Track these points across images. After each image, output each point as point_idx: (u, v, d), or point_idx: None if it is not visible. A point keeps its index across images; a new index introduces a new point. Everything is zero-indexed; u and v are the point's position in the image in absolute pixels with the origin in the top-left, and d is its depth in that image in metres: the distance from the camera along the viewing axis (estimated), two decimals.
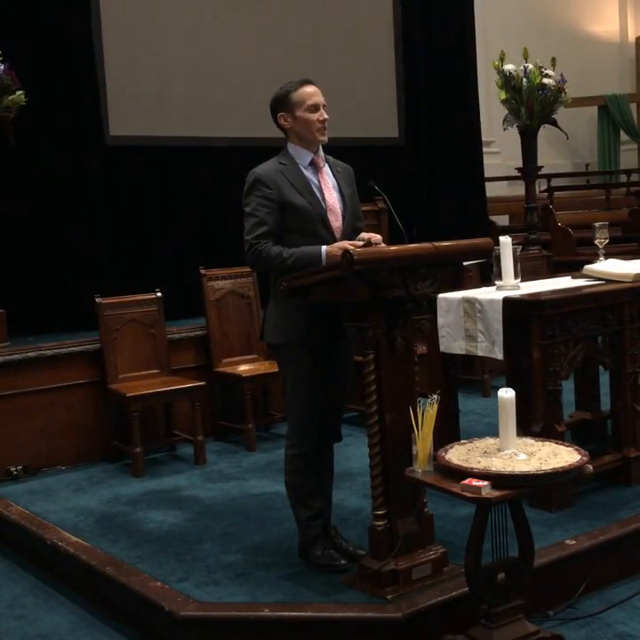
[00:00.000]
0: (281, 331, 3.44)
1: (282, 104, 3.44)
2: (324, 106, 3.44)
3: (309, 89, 3.43)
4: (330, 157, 3.58)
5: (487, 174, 8.95)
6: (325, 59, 7.27)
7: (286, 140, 3.51)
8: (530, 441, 3.04)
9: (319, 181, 3.45)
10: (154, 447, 5.37)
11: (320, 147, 3.51)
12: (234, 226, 6.71)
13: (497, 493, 2.69)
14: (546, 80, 7.08)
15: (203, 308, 5.73)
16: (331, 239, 3.37)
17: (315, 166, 3.47)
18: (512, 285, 4.23)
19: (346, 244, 3.27)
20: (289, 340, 3.42)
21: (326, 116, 3.44)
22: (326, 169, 3.51)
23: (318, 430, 3.49)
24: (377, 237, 3.39)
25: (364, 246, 3.29)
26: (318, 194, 3.43)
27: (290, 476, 3.56)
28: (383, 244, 3.39)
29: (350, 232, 3.50)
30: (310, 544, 3.56)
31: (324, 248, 3.28)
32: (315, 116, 3.41)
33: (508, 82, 7.13)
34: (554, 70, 7.17)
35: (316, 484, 3.55)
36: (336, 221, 3.44)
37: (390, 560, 3.23)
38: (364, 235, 3.43)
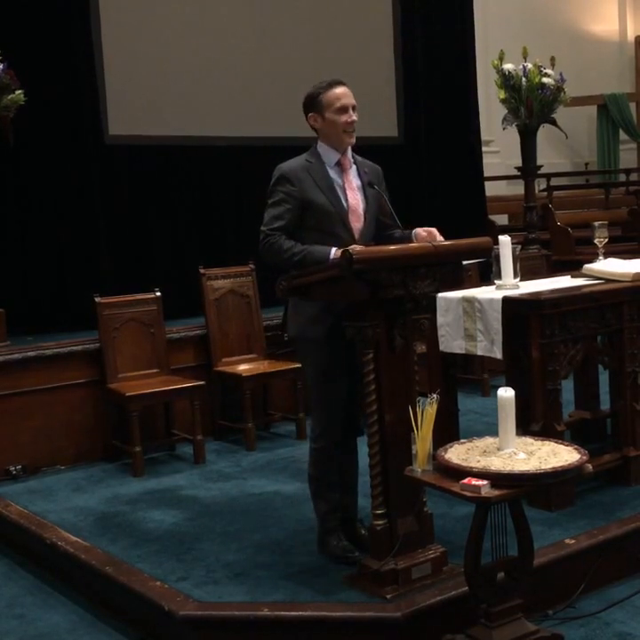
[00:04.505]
0: (300, 324, 3.48)
1: (312, 105, 3.48)
2: (353, 107, 3.48)
3: (339, 90, 3.46)
4: (358, 157, 3.61)
5: (486, 173, 8.94)
6: (325, 58, 7.26)
7: (317, 139, 3.55)
8: (529, 440, 3.03)
9: (343, 182, 3.49)
10: (153, 447, 5.36)
11: (348, 147, 3.54)
12: (233, 225, 6.77)
13: (496, 493, 2.69)
14: (545, 79, 7.08)
15: (202, 308, 5.73)
16: (349, 239, 3.40)
17: (340, 166, 3.51)
18: (511, 285, 4.23)
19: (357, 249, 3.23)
20: (308, 333, 3.46)
21: (355, 118, 3.47)
22: (353, 169, 3.55)
23: (342, 424, 3.51)
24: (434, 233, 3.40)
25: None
26: (341, 194, 3.46)
27: (312, 469, 3.61)
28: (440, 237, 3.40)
29: (373, 232, 3.54)
30: (327, 535, 3.60)
31: (333, 251, 3.28)
32: (342, 118, 3.44)
33: (507, 81, 7.13)
34: (553, 69, 7.17)
35: (336, 477, 3.58)
36: (357, 222, 3.47)
37: (390, 559, 3.23)
38: (420, 231, 3.43)
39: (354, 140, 3.51)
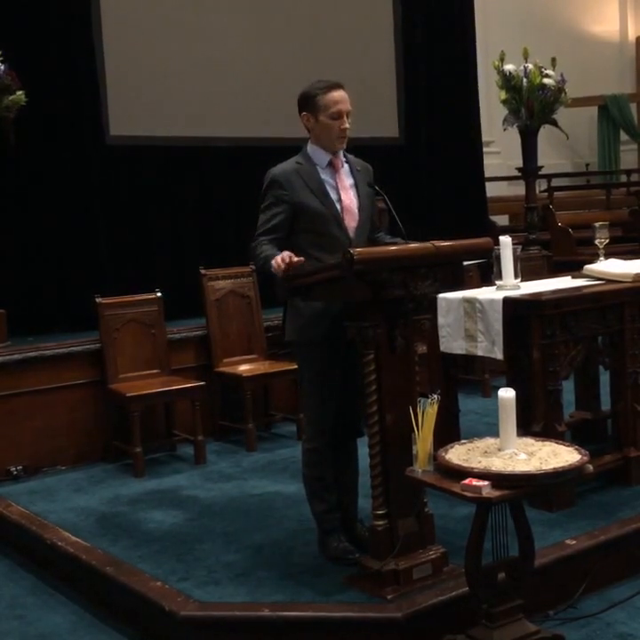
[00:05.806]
0: (297, 327, 3.48)
1: (307, 104, 3.44)
2: (348, 114, 3.43)
3: (336, 95, 3.40)
4: (350, 156, 3.60)
5: (487, 174, 8.95)
6: (326, 58, 7.26)
7: (308, 138, 3.52)
8: (530, 441, 3.03)
9: (336, 182, 3.47)
10: (154, 447, 5.36)
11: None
12: (234, 226, 6.77)
13: (497, 493, 2.68)
14: (546, 80, 7.09)
15: (203, 308, 5.73)
16: (344, 239, 3.40)
17: (333, 167, 3.49)
18: (512, 285, 4.23)
19: (282, 257, 3.18)
20: (305, 336, 3.45)
21: (347, 126, 3.42)
22: (345, 168, 3.53)
23: (339, 426, 3.52)
24: None
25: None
26: (334, 195, 3.45)
27: (306, 469, 3.60)
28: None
29: (368, 231, 3.55)
30: (326, 536, 3.60)
31: (277, 257, 3.20)
32: (336, 124, 3.40)
33: (508, 82, 7.13)
34: (554, 70, 7.17)
35: (332, 478, 3.58)
36: (351, 221, 3.46)
37: (390, 560, 3.23)
38: None
39: (344, 146, 3.49)
